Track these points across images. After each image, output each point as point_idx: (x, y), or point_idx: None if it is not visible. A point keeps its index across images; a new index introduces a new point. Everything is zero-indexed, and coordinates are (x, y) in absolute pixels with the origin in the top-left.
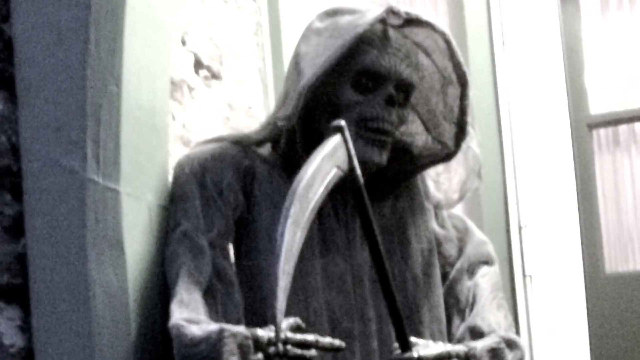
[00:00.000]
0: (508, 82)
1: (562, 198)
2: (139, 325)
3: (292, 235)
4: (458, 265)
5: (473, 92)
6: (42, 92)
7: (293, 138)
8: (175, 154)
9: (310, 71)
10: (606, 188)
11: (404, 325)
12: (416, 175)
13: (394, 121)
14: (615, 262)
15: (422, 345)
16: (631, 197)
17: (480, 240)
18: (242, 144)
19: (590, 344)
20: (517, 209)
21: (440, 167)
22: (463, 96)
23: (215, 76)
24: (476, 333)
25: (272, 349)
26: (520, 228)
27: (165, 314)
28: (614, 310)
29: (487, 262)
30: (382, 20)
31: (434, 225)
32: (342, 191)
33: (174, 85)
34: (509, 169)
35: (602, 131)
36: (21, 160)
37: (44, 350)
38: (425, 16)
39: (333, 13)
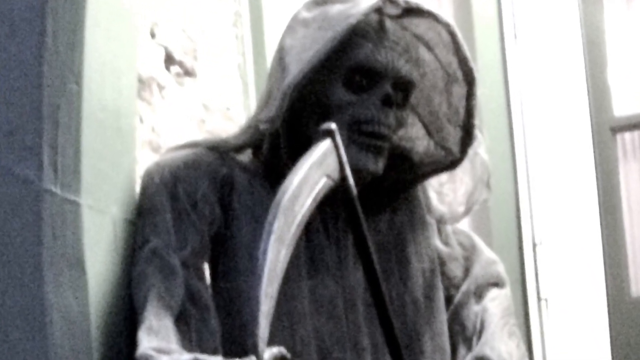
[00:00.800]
0: (521, 79)
1: (582, 211)
2: (102, 355)
3: (276, 254)
4: (464, 287)
5: (481, 91)
6: None
7: (277, 143)
8: (144, 161)
9: (297, 67)
10: (632, 200)
11: (403, 355)
12: (416, 186)
13: (391, 124)
14: None
15: None
16: None
17: (489, 259)
18: (219, 150)
19: None
20: (531, 223)
21: (443, 177)
22: (470, 96)
23: (188, 73)
24: None
25: None
26: (534, 245)
27: (132, 342)
28: None
29: (497, 283)
30: (378, 10)
31: (437, 242)
32: (332, 204)
33: (142, 83)
34: (521, 178)
35: (627, 135)
36: None
37: None
38: (426, 5)
39: (322, 2)
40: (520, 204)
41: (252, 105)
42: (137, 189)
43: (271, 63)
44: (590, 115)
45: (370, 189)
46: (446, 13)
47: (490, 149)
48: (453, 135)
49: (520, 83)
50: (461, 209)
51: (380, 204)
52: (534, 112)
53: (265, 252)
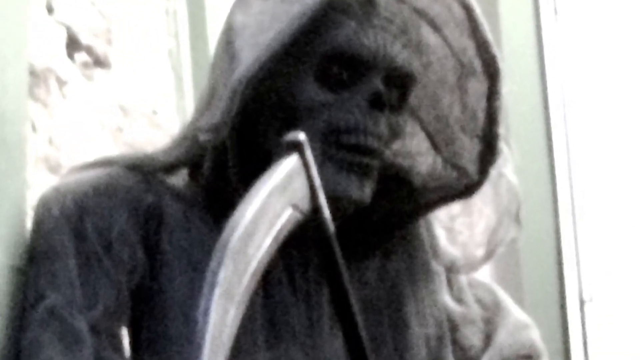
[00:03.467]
0: (563, 72)
1: None
2: None
3: (222, 315)
4: None
5: (508, 88)
6: None
7: (223, 160)
8: (37, 185)
9: (251, 55)
10: None
11: None
12: (418, 220)
13: (382, 133)
14: None
15: None
16: None
17: (520, 322)
18: (143, 171)
19: None
20: (578, 273)
21: (456, 207)
22: (492, 94)
23: (100, 63)
24: None
25: None
26: (582, 303)
27: None
28: None
29: (531, 356)
30: None
31: (447, 298)
32: (300, 245)
33: (35, 77)
34: (564, 209)
35: None
36: None
37: None
38: None
39: None
40: (562, 245)
41: (189, 107)
42: (29, 224)
43: (215, 48)
44: None
45: (353, 224)
46: None
47: (522, 168)
48: (469, 150)
49: (563, 76)
50: (480, 252)
51: (367, 245)
52: (582, 117)
53: (206, 313)
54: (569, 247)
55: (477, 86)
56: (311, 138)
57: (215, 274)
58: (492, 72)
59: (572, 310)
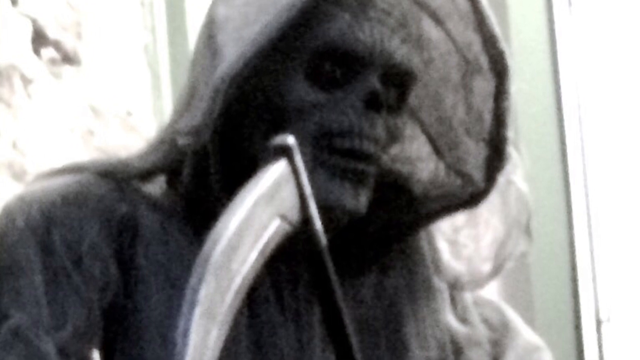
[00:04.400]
0: (578, 68)
1: None
2: None
3: (204, 336)
4: None
5: (517, 87)
6: None
7: (204, 166)
8: (0, 193)
9: (235, 51)
10: None
11: None
12: (418, 232)
13: (379, 137)
14: None
15: None
16: None
17: (530, 344)
18: (117, 178)
19: None
20: (594, 291)
21: (460, 218)
22: (500, 94)
23: (69, 59)
24: None
25: None
26: (598, 323)
27: None
28: None
29: None
30: None
31: (450, 318)
32: (289, 260)
33: None
34: (579, 220)
35: None
36: None
37: None
38: None
39: None
40: (576, 260)
41: (167, 108)
42: None
43: (195, 43)
44: None
45: (348, 236)
46: None
47: (533, 175)
48: (474, 155)
49: (578, 74)
50: (487, 267)
51: (363, 259)
52: (599, 119)
53: (186, 334)
54: (584, 261)
55: (484, 85)
56: (301, 142)
57: (195, 291)
58: (499, 70)
59: (588, 331)
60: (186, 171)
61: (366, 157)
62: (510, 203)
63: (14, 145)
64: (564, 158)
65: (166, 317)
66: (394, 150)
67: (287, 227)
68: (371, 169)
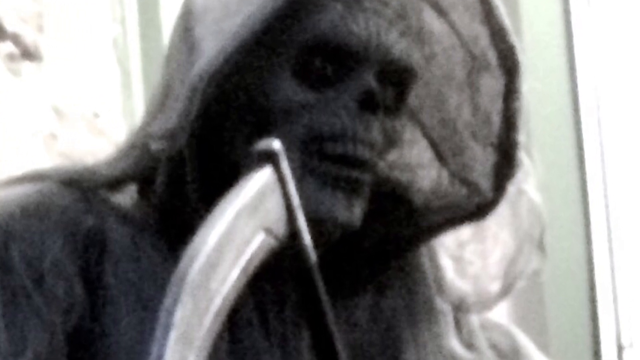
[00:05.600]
0: (597, 65)
1: None
2: None
3: None
4: None
5: (530, 86)
6: None
7: (180, 174)
8: None
9: (215, 45)
10: None
11: None
12: (419, 247)
13: (375, 141)
14: None
15: None
16: None
17: None
18: (82, 187)
19: None
20: (615, 313)
21: (466, 232)
22: (510, 93)
23: (29, 55)
24: None
25: None
26: (620, 349)
27: None
28: None
29: None
30: None
31: (454, 343)
32: (275, 278)
33: None
34: (598, 234)
35: None
36: None
37: None
38: None
39: None
40: (596, 279)
41: (139, 108)
42: None
43: (170, 37)
44: None
45: (340, 252)
46: None
47: (547, 184)
48: (481, 161)
49: (596, 72)
50: (495, 286)
51: (357, 278)
52: (619, 121)
53: None
54: (604, 280)
55: (492, 83)
56: (288, 147)
57: (170, 313)
58: (509, 66)
59: (609, 357)
60: (160, 179)
61: (361, 164)
62: (521, 215)
63: None
64: (582, 165)
65: (138, 342)
66: (392, 156)
67: (272, 242)
68: (366, 177)
